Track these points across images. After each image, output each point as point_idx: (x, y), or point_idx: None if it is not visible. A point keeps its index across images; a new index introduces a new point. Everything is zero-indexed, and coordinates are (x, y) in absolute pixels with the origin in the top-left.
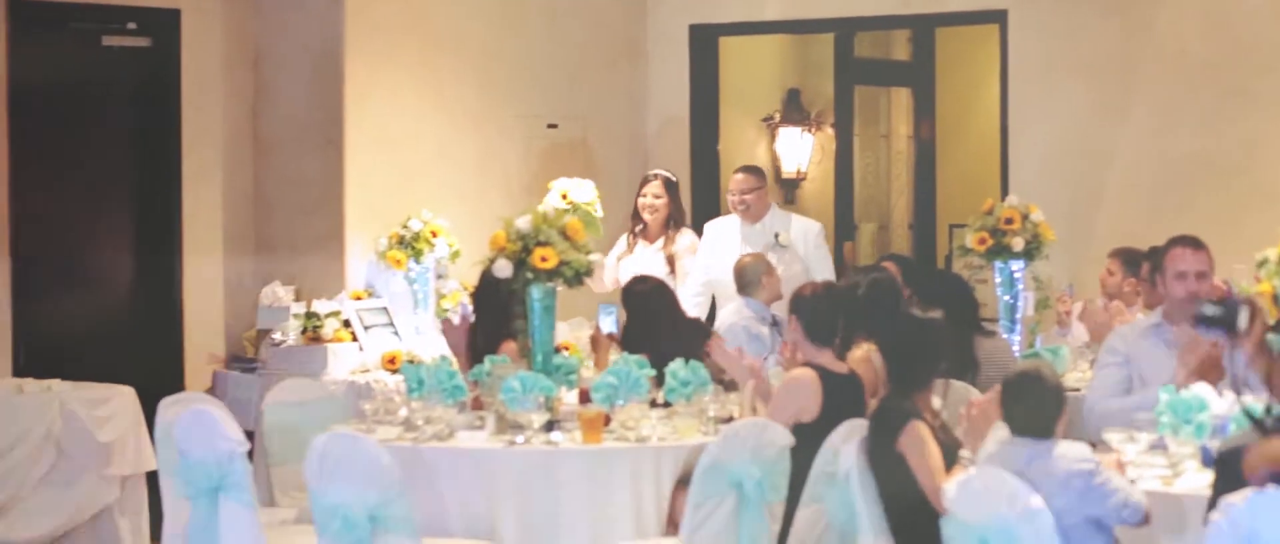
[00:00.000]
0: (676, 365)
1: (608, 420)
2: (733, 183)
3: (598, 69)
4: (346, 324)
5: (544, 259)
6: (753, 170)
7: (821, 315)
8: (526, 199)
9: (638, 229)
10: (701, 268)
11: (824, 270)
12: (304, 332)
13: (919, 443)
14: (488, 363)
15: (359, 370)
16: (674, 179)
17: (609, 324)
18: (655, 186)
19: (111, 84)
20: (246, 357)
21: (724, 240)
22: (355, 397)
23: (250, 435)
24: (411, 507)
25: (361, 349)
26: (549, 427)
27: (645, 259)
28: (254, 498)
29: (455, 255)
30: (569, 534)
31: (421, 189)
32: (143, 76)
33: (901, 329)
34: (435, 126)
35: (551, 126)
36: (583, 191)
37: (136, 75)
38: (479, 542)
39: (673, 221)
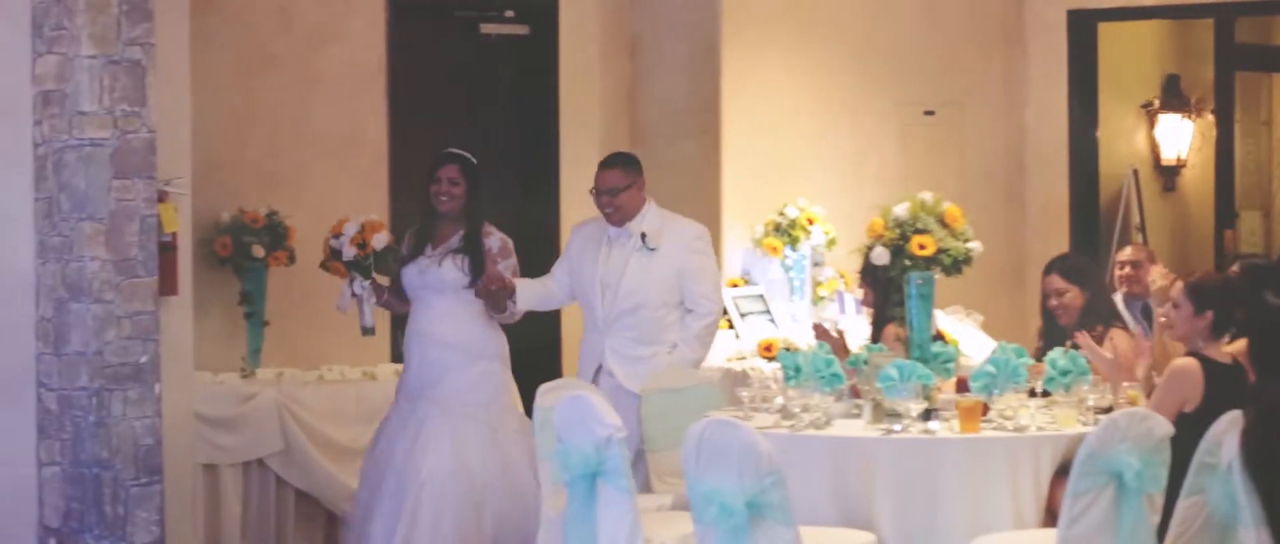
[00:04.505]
0: (1056, 354)
1: (986, 409)
2: (595, 178)
3: (974, 56)
4: (723, 311)
5: (922, 246)
6: (622, 163)
7: (1217, 305)
8: (903, 186)
9: (424, 228)
10: (560, 269)
11: (702, 277)
12: None
13: None
14: (865, 351)
15: (735, 357)
16: (474, 161)
17: None
18: (452, 171)
19: (490, 72)
20: None
21: (586, 245)
22: (732, 384)
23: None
24: (788, 494)
25: (738, 336)
26: (926, 415)
27: (436, 265)
28: (631, 484)
29: (831, 243)
30: (946, 524)
31: (797, 176)
32: (521, 65)
33: (1260, 318)
34: (811, 114)
35: (928, 114)
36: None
37: (515, 63)
38: (856, 530)
39: (470, 216)
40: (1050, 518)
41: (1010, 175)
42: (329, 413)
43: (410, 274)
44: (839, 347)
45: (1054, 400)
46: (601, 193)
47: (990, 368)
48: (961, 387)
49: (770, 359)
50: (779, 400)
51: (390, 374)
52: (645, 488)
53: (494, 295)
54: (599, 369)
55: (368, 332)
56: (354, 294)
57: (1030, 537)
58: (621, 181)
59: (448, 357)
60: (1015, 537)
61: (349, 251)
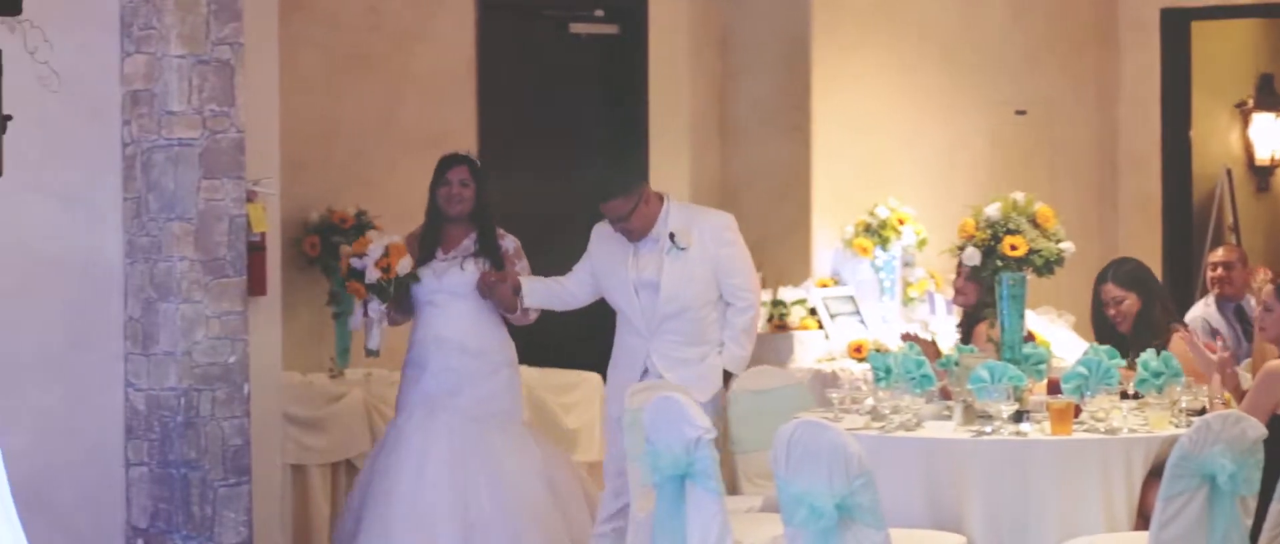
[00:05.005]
0: (1148, 356)
1: (1078, 411)
2: (605, 211)
3: (1066, 55)
4: (813, 312)
5: (1014, 247)
6: (619, 189)
7: None
8: (994, 186)
9: (429, 232)
10: (582, 271)
11: (736, 269)
12: (770, 319)
13: None
14: (955, 352)
15: (825, 358)
16: (479, 162)
17: None
18: (462, 172)
19: (579, 71)
20: None
21: (612, 248)
22: (821, 385)
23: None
24: (878, 496)
25: (827, 337)
26: (1018, 417)
27: (456, 267)
28: (720, 485)
29: (922, 243)
30: (1038, 526)
31: (888, 176)
32: (610, 64)
33: None
34: (902, 113)
35: (1020, 113)
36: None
37: (604, 63)
38: (946, 533)
39: (481, 218)
40: (1142, 521)
41: (1102, 175)
42: None
43: (424, 278)
44: (930, 351)
45: (1146, 402)
46: (615, 222)
47: (1082, 369)
48: (1053, 388)
49: (860, 360)
50: (869, 402)
51: None
52: (734, 489)
53: (496, 288)
54: (645, 372)
55: (373, 353)
56: (366, 315)
57: (1122, 539)
58: (625, 207)
59: (469, 364)
60: (1107, 539)
61: (372, 274)
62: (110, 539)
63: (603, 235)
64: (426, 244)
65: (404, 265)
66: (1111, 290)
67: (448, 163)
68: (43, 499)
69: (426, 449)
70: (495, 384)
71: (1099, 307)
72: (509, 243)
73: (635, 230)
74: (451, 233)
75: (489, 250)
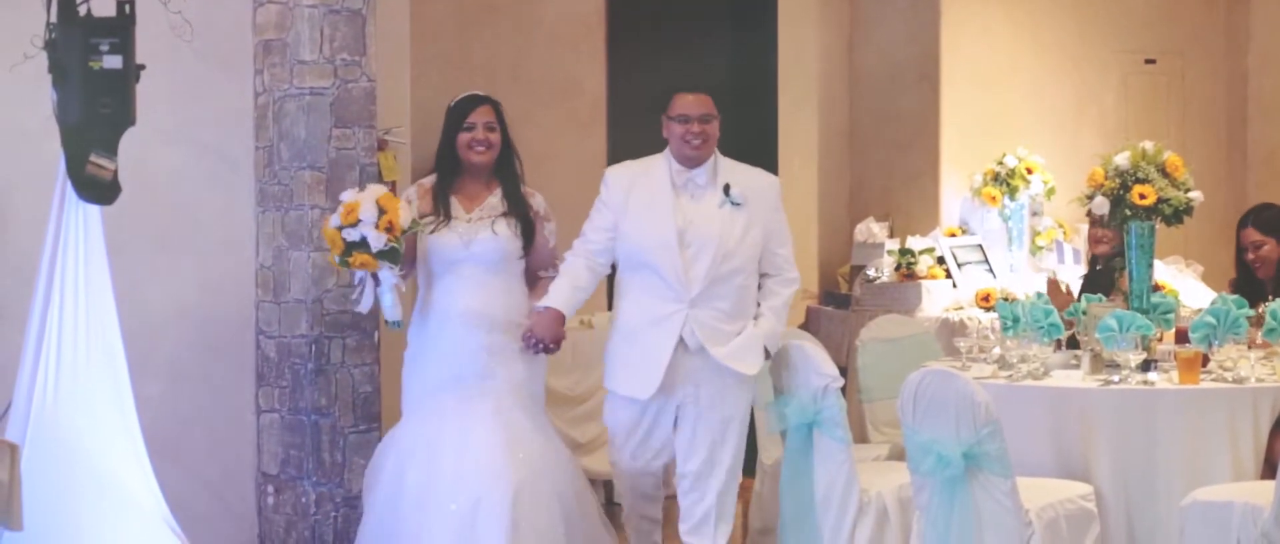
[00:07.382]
0: (1276, 306)
1: (1205, 361)
2: (683, 104)
3: (1196, 4)
4: (940, 261)
5: (1142, 196)
6: (707, 95)
7: None
8: (1123, 135)
9: (446, 185)
10: (602, 228)
11: (786, 238)
12: (898, 268)
13: None
14: (1084, 301)
15: (952, 307)
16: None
17: None
18: (487, 113)
19: (709, 21)
20: (840, 292)
21: (645, 193)
22: (949, 334)
23: (843, 371)
24: (1005, 445)
25: (955, 286)
26: (1145, 366)
27: (487, 230)
28: (847, 433)
29: (1050, 192)
30: (1165, 475)
31: (1016, 125)
32: (740, 13)
33: None
34: (1031, 62)
35: (1149, 62)
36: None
37: (734, 12)
38: (1073, 481)
39: (505, 169)
40: (1269, 469)
41: (1232, 124)
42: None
43: (448, 245)
44: (1066, 301)
45: (1274, 351)
46: (691, 119)
47: (1210, 319)
48: (1181, 338)
49: (988, 309)
50: (996, 350)
51: (607, 324)
52: (861, 438)
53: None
54: (678, 344)
55: (396, 325)
56: (378, 286)
57: (1249, 488)
58: (713, 110)
59: (499, 341)
60: (1233, 488)
61: (378, 240)
62: (241, 485)
63: (620, 180)
64: (442, 199)
65: (404, 216)
66: (1252, 234)
67: (469, 103)
68: (174, 445)
69: (467, 434)
70: (527, 364)
71: (1240, 251)
72: (537, 201)
73: (706, 141)
74: (470, 186)
75: (518, 209)
